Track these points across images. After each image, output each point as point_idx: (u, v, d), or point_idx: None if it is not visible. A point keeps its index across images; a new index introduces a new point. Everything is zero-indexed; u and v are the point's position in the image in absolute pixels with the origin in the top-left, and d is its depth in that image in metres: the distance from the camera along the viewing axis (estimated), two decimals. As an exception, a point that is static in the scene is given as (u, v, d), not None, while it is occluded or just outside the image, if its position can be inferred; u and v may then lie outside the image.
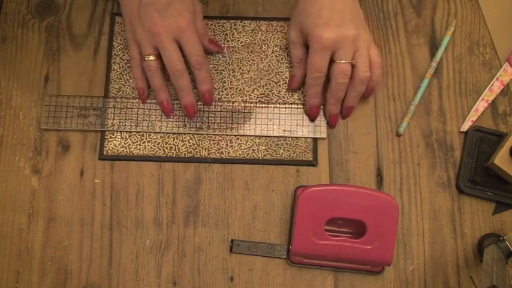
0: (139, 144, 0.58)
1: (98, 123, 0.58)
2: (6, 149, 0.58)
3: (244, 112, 0.58)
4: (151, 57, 0.55)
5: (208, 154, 0.58)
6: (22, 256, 0.55)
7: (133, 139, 0.58)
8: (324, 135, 0.58)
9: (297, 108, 0.59)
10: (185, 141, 0.58)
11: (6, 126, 0.59)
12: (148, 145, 0.58)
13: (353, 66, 0.55)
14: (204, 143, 0.58)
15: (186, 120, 0.59)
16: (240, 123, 0.58)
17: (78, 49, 0.61)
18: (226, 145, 0.58)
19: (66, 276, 0.55)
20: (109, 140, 0.58)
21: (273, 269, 0.55)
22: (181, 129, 0.58)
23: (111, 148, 0.58)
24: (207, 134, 0.58)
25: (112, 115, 0.58)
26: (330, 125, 0.59)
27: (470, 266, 0.56)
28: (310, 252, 0.52)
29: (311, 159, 0.58)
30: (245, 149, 0.58)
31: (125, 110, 0.59)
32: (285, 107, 0.59)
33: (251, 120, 0.59)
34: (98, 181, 0.58)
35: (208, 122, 0.58)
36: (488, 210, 0.57)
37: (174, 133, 0.58)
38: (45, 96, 0.59)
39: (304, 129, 0.59)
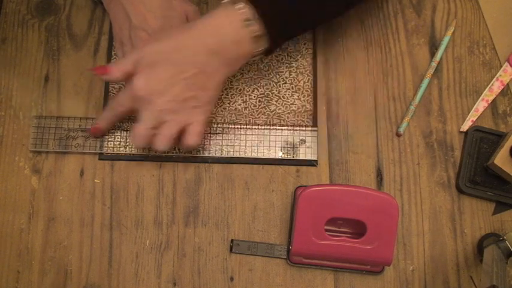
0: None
1: (87, 144, 0.58)
2: (6, 149, 0.58)
3: (234, 134, 0.58)
4: None
5: (208, 154, 0.58)
6: (22, 256, 0.55)
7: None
8: (315, 157, 0.58)
9: (294, 130, 0.59)
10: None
11: (6, 126, 0.59)
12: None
13: None
14: (205, 143, 0.58)
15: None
16: (230, 145, 0.58)
17: (78, 49, 0.61)
18: (227, 145, 0.58)
19: (66, 276, 0.55)
20: (109, 140, 0.58)
21: (273, 269, 0.55)
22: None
23: (111, 148, 0.58)
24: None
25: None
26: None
27: (470, 266, 0.56)
28: (310, 252, 0.52)
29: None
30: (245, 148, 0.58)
31: (113, 131, 0.58)
32: (275, 129, 0.59)
33: (241, 142, 0.58)
34: (98, 181, 0.58)
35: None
36: (488, 210, 0.57)
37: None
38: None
39: (295, 151, 0.58)
